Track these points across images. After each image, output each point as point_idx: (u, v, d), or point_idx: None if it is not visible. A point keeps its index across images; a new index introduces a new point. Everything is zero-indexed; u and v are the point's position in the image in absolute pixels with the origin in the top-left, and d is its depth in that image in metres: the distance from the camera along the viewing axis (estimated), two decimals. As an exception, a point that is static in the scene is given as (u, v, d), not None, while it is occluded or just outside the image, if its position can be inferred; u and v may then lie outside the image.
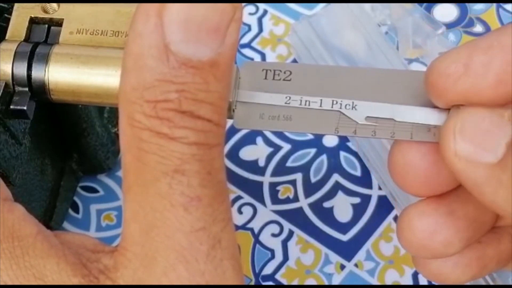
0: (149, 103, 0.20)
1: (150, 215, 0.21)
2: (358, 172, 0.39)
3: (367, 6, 0.42)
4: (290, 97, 0.25)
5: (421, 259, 0.27)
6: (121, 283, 0.21)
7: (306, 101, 0.25)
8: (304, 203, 0.38)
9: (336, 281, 0.36)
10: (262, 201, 0.39)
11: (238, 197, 0.39)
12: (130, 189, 0.21)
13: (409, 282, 0.36)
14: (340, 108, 0.25)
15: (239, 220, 0.38)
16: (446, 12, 0.44)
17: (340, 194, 0.39)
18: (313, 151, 0.40)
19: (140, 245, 0.21)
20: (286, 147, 0.40)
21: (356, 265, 0.37)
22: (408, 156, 0.25)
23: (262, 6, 0.45)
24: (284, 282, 0.36)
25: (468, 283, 0.34)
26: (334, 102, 0.25)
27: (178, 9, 0.20)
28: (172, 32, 0.20)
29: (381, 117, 0.25)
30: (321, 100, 0.25)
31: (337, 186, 0.39)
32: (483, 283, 0.33)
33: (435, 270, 0.27)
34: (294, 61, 0.43)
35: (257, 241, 0.37)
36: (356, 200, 0.38)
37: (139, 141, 0.20)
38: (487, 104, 0.23)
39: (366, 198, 0.38)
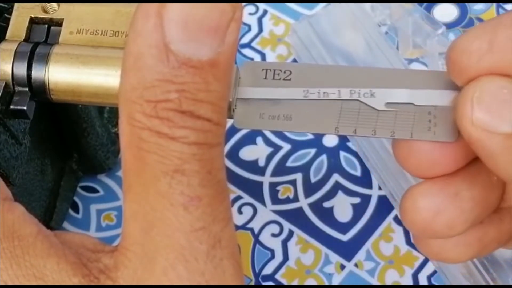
0: (149, 103, 0.20)
1: (150, 215, 0.21)
2: (358, 172, 0.39)
3: (367, 6, 0.42)
4: (308, 90, 0.25)
5: (421, 237, 0.27)
6: (122, 282, 0.21)
7: (324, 92, 0.25)
8: (304, 203, 0.38)
9: (336, 281, 0.36)
10: (262, 201, 0.39)
11: (238, 197, 0.39)
12: (130, 189, 0.21)
13: (409, 282, 0.36)
14: (359, 97, 0.25)
15: (239, 220, 0.38)
16: (446, 12, 0.44)
17: (340, 194, 0.39)
18: (313, 151, 0.40)
19: (140, 245, 0.21)
20: (286, 147, 0.40)
21: (356, 265, 0.37)
22: None
23: (262, 6, 0.45)
24: (284, 282, 0.36)
25: (468, 283, 0.34)
26: (352, 92, 0.25)
27: (178, 9, 0.20)
28: (172, 31, 0.20)
29: (400, 102, 0.25)
30: (339, 90, 0.25)
31: (337, 186, 0.39)
32: (483, 283, 0.33)
33: (435, 249, 0.27)
34: (294, 61, 0.43)
35: (257, 241, 0.37)
36: (356, 200, 0.38)
37: (139, 140, 0.20)
38: None
39: (366, 198, 0.38)
